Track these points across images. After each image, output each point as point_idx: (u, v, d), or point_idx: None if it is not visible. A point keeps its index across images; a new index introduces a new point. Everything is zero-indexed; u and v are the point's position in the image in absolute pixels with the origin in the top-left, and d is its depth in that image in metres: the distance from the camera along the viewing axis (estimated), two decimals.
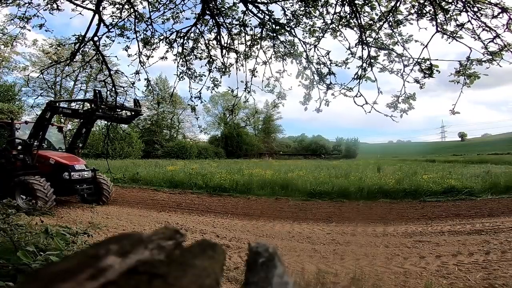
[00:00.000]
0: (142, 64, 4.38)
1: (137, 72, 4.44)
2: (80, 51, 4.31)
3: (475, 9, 2.57)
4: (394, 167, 16.63)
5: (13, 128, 7.58)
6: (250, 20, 4.15)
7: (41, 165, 7.37)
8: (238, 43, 4.31)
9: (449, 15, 2.82)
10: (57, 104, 7.69)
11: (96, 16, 3.89)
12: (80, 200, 8.07)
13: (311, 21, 3.83)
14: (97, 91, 6.30)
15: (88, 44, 4.28)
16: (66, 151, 8.33)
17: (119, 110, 7.02)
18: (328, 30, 3.67)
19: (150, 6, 4.25)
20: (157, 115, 40.88)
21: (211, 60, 4.39)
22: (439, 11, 2.83)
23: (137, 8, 4.31)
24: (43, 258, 1.79)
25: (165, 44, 4.43)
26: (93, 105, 6.70)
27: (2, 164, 7.52)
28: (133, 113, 7.40)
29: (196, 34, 4.41)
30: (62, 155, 7.85)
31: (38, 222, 3.27)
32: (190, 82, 4.39)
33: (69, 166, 7.37)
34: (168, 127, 43.28)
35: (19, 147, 7.44)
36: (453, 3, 2.77)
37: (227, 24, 4.24)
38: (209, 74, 4.34)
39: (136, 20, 4.29)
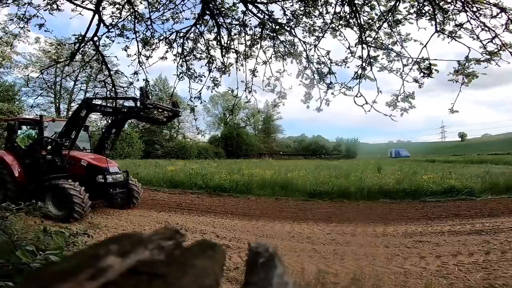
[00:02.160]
0: (141, 64, 4.39)
1: (136, 73, 4.45)
2: (80, 51, 4.31)
3: (474, 9, 2.57)
4: (394, 167, 16.64)
5: (41, 126, 6.97)
6: (250, 20, 4.15)
7: (72, 167, 6.73)
8: (238, 43, 4.32)
9: (448, 15, 2.82)
10: (94, 101, 6.81)
11: (96, 16, 3.89)
12: (107, 204, 7.27)
13: (311, 20, 3.83)
14: (143, 89, 5.71)
15: (88, 44, 4.28)
16: (93, 152, 7.64)
17: (160, 110, 6.49)
18: (328, 29, 3.67)
19: (150, 6, 4.25)
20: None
21: (211, 60, 4.39)
22: (438, 11, 2.84)
23: (137, 8, 4.32)
24: (43, 257, 1.79)
25: (165, 44, 4.43)
26: (138, 104, 6.04)
27: (27, 165, 6.91)
28: (171, 113, 6.76)
29: (196, 34, 4.42)
30: (93, 156, 7.21)
31: (38, 222, 3.27)
32: (190, 82, 4.40)
33: (104, 169, 6.75)
34: (168, 127, 43.28)
35: (49, 147, 6.81)
36: (452, 3, 2.77)
37: (227, 24, 4.24)
38: (209, 74, 4.35)
39: (136, 20, 4.30)
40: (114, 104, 6.48)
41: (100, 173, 6.66)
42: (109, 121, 7.00)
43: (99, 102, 6.82)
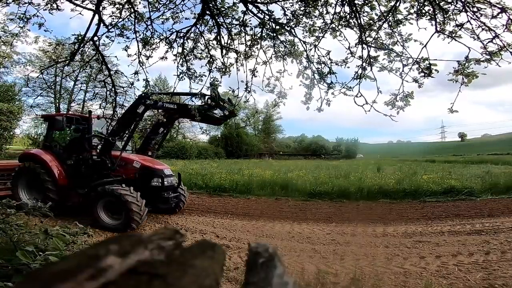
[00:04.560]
0: (141, 64, 4.38)
1: (136, 73, 4.44)
2: (80, 51, 4.31)
3: (475, 9, 2.57)
4: (394, 167, 16.66)
5: (90, 123, 6.30)
6: (250, 20, 4.15)
7: (123, 169, 6.10)
8: (238, 43, 4.32)
9: (448, 15, 2.82)
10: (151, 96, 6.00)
11: (96, 16, 3.89)
12: (158, 210, 6.66)
13: (311, 20, 3.83)
14: (213, 85, 5.07)
15: (88, 44, 4.28)
16: (137, 152, 7.05)
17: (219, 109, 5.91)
18: (328, 30, 3.67)
19: (150, 6, 4.25)
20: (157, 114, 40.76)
21: (211, 60, 4.38)
22: (438, 11, 2.84)
23: (137, 8, 4.32)
24: (43, 258, 1.79)
25: (165, 44, 4.43)
26: (208, 101, 5.57)
27: (69, 166, 6.32)
28: (227, 113, 6.04)
29: (196, 34, 4.41)
30: (144, 157, 6.59)
31: (38, 222, 3.26)
32: (190, 83, 4.39)
33: (160, 171, 6.14)
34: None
35: (99, 147, 6.23)
36: (452, 3, 2.77)
37: (227, 24, 4.24)
38: (209, 74, 4.34)
39: (136, 20, 4.29)
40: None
41: (156, 176, 6.07)
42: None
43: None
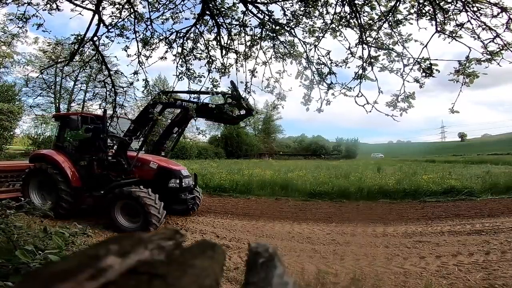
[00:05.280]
0: (140, 64, 4.38)
1: (136, 73, 4.44)
2: (80, 51, 4.30)
3: (475, 9, 2.57)
4: (394, 167, 16.66)
5: (105, 123, 5.93)
6: (250, 21, 4.15)
7: (139, 170, 5.96)
8: (238, 44, 4.31)
9: (448, 15, 2.82)
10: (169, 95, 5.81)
11: (96, 16, 3.88)
12: (176, 211, 6.45)
13: (311, 21, 3.83)
14: (234, 83, 4.65)
15: (87, 44, 4.28)
16: (150, 153, 6.91)
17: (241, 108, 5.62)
18: (328, 30, 3.67)
19: (149, 6, 4.25)
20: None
21: (210, 60, 4.38)
22: (439, 11, 2.84)
23: (137, 8, 4.31)
24: (42, 257, 1.79)
25: (165, 44, 4.43)
26: (229, 100, 5.37)
27: (84, 167, 6.15)
28: (243, 112, 5.69)
29: (196, 34, 4.41)
30: (160, 158, 6.45)
31: (38, 222, 3.27)
32: (189, 83, 4.39)
33: (178, 172, 6.02)
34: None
35: (115, 147, 6.05)
36: (452, 3, 2.77)
37: (227, 25, 4.24)
38: (208, 74, 4.34)
39: (136, 20, 4.29)
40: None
41: (174, 176, 5.96)
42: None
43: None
